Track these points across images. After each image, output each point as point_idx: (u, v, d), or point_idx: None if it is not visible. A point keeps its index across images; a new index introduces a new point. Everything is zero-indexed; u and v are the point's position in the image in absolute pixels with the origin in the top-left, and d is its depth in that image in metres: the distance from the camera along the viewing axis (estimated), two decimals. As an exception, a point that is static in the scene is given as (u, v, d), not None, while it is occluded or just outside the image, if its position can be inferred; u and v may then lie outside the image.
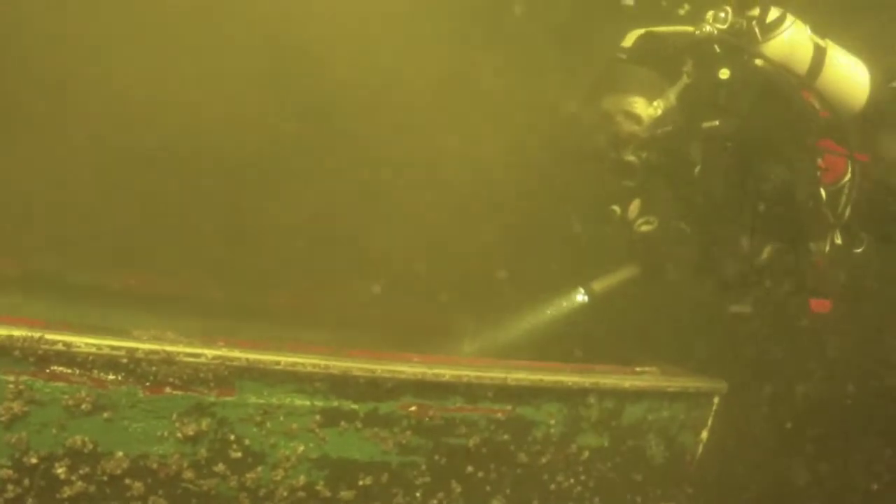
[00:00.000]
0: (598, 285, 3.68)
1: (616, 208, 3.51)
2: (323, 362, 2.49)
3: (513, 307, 3.69)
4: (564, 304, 3.64)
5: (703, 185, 3.45)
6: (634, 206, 3.52)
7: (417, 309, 4.10)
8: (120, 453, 2.29)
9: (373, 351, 2.66)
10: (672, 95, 3.35)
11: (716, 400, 3.26)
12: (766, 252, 3.50)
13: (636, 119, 3.34)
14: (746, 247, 3.48)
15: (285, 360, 2.44)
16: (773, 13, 3.33)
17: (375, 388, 2.58)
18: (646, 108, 3.34)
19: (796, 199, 3.41)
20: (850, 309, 4.00)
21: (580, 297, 3.66)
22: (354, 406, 2.58)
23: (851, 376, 3.93)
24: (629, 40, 3.39)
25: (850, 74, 3.46)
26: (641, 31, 3.39)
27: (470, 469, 2.81)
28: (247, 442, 2.44)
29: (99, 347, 2.20)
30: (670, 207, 3.64)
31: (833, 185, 3.61)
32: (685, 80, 3.33)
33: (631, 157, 3.34)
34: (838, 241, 3.66)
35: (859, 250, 3.74)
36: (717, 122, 3.31)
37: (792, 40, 3.37)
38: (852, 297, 4.01)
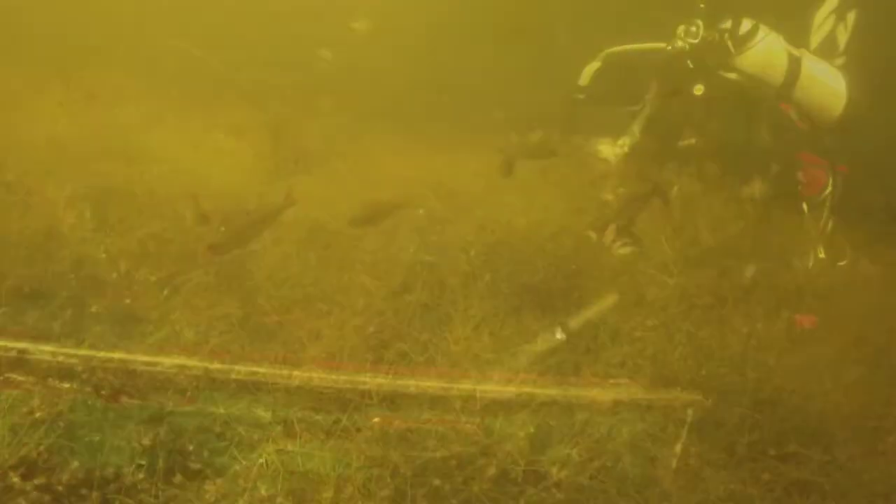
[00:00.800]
0: (575, 322, 3.65)
1: (592, 234, 3.51)
2: (284, 372, 2.48)
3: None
4: (542, 345, 3.59)
5: (683, 203, 3.46)
6: (610, 230, 3.52)
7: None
8: (75, 463, 2.28)
9: (335, 362, 2.65)
10: (636, 129, 3.36)
11: (689, 412, 3.22)
12: (750, 270, 3.49)
13: (604, 161, 3.37)
14: (730, 264, 3.47)
15: (245, 370, 2.43)
16: (746, 25, 3.34)
17: (338, 400, 2.57)
18: (612, 149, 3.37)
19: (776, 214, 3.40)
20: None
21: (558, 335, 3.62)
22: (317, 417, 2.56)
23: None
24: (585, 78, 3.39)
25: (825, 83, 3.47)
26: (597, 64, 3.39)
27: (437, 482, 2.77)
28: (206, 453, 2.43)
29: (54, 355, 2.20)
30: (651, 228, 3.64)
31: (815, 198, 3.60)
32: (648, 110, 3.35)
33: (609, 196, 3.38)
34: (821, 255, 3.63)
35: (842, 263, 3.71)
36: (693, 140, 3.32)
37: (766, 51, 3.38)
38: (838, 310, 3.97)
